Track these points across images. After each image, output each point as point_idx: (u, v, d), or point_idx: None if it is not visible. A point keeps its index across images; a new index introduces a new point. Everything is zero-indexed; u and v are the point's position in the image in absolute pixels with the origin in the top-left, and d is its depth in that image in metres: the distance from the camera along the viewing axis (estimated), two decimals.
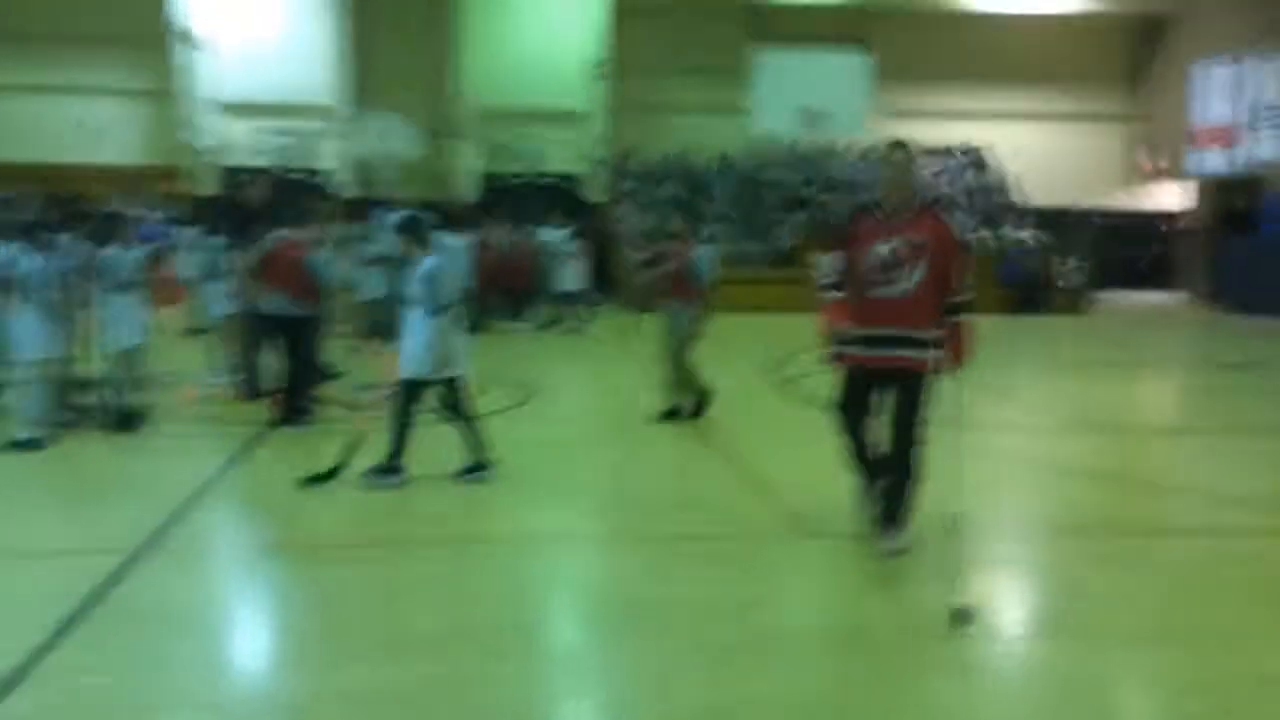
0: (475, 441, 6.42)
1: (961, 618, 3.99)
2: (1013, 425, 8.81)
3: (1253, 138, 21.11)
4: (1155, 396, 11.59)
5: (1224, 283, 21.14)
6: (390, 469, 6.24)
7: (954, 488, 4.83)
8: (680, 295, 8.32)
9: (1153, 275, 24.77)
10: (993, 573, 5.00)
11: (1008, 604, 4.67)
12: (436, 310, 6.16)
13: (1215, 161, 22.30)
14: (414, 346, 6.21)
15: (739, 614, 4.26)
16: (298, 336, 8.06)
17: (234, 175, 20.50)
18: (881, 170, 5.00)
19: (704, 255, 8.55)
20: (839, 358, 5.00)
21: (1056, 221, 22.81)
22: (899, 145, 4.96)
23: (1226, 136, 21.81)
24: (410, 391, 6.29)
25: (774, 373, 11.43)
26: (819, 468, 6.13)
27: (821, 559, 5.12)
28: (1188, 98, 22.82)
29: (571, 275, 16.02)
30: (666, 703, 3.50)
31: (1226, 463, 7.54)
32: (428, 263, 6.23)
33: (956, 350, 4.80)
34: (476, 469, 6.38)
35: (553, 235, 16.40)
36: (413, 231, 6.40)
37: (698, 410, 8.34)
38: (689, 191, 21.92)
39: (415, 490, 6.22)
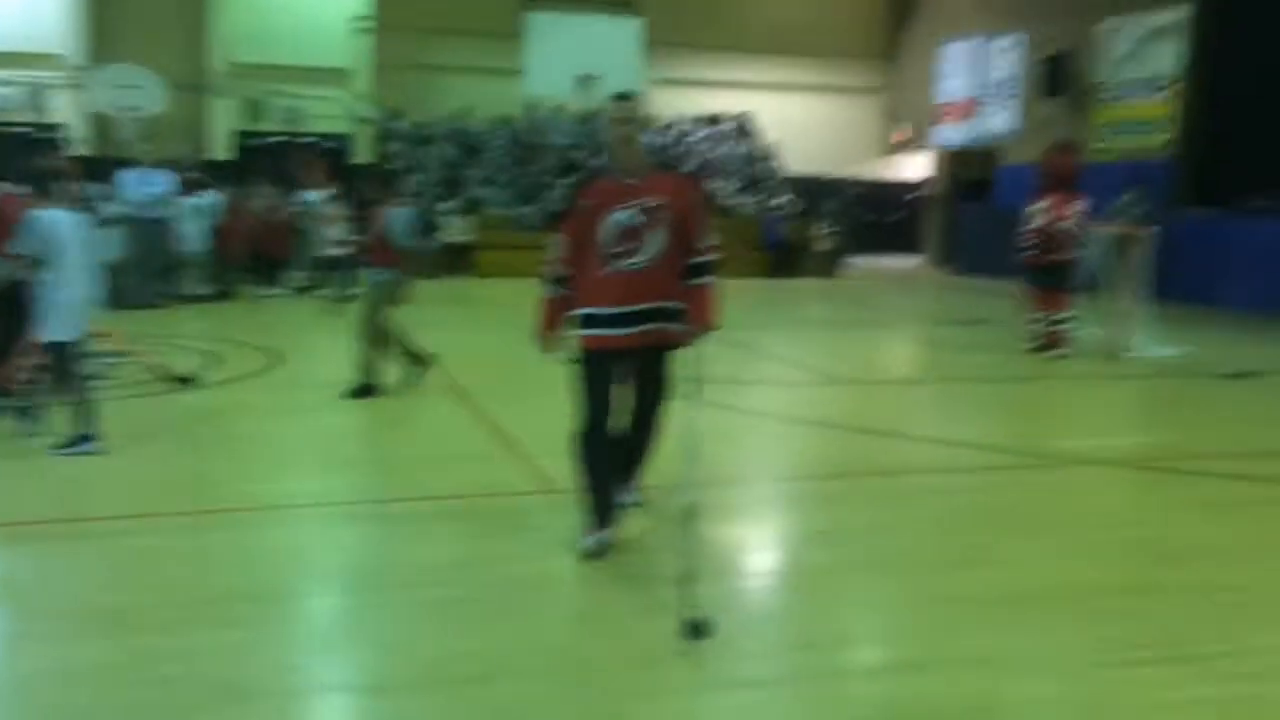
0: (84, 412, 6.11)
1: (696, 629, 3.48)
2: (763, 381, 9.25)
3: (987, 112, 22.81)
4: (893, 351, 12.43)
5: (959, 247, 22.81)
6: (81, 439, 6.00)
7: (692, 463, 4.16)
8: (379, 260, 7.98)
9: (898, 240, 26.38)
10: (737, 516, 5.26)
11: (753, 536, 4.93)
12: (49, 269, 5.92)
13: (954, 134, 23.97)
14: (51, 309, 5.98)
15: (480, 571, 4.31)
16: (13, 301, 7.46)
17: None
18: (609, 129, 4.48)
19: (399, 217, 8.12)
20: (577, 341, 4.44)
21: (813, 189, 23.93)
22: (623, 97, 4.47)
23: (965, 111, 23.47)
24: (61, 356, 6.06)
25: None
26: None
27: (571, 516, 5.23)
28: (933, 74, 24.38)
29: (333, 240, 15.52)
30: (403, 659, 3.51)
31: (954, 408, 8.25)
32: (40, 217, 5.91)
33: (700, 315, 4.38)
34: (80, 441, 6.04)
35: (313, 198, 15.81)
36: (38, 184, 6.06)
37: (414, 372, 8.11)
38: (462, 154, 21.67)
39: (128, 461, 5.93)
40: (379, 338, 7.95)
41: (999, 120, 22.38)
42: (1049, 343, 10.43)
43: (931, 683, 3.30)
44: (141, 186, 13.01)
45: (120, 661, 3.44)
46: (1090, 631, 3.73)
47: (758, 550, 4.89)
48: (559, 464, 5.60)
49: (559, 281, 4.51)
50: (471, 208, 19.84)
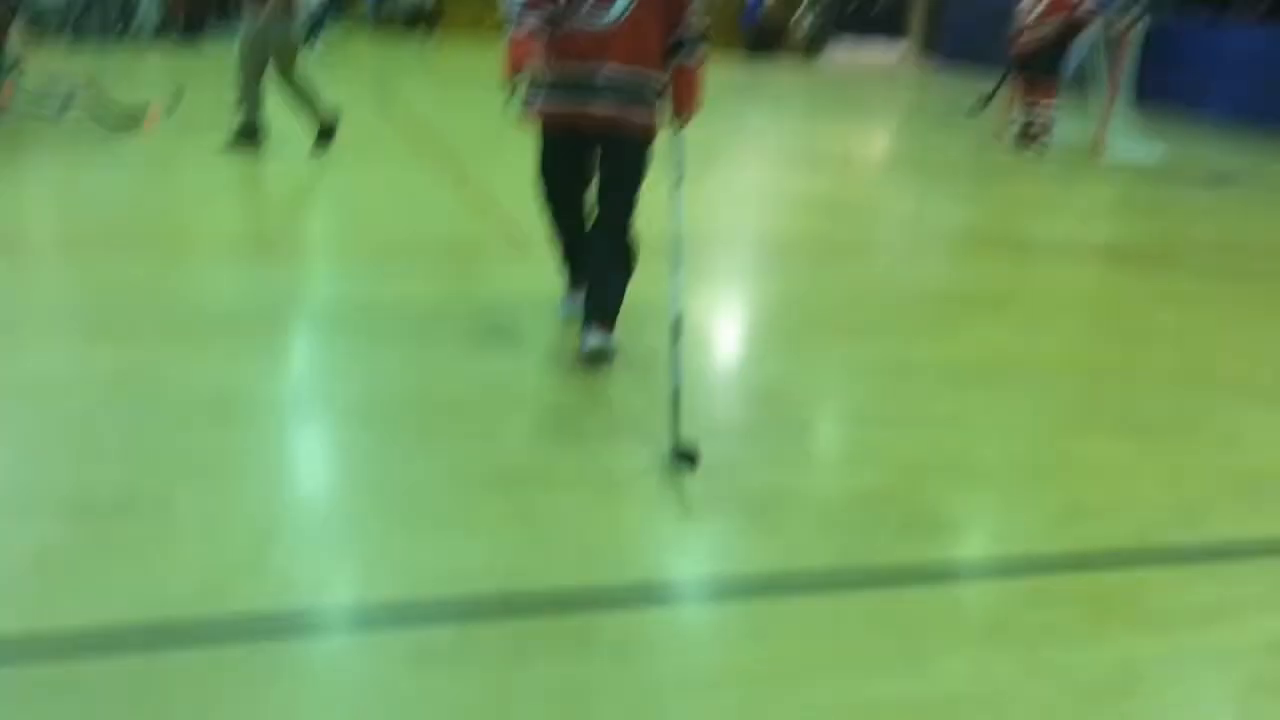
0: None
1: (683, 459, 2.96)
2: (743, 163, 9.12)
3: None
4: (868, 140, 12.26)
5: (945, 36, 22.14)
6: None
7: (676, 269, 3.58)
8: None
9: (883, 24, 25.53)
10: (715, 280, 5.27)
11: (730, 298, 4.98)
12: None
13: None
14: None
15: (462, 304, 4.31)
16: None
17: None
18: None
19: None
20: (534, 110, 3.75)
21: None
22: None
23: None
24: None
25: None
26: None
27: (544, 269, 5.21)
28: None
29: None
30: (385, 392, 3.54)
31: (929, 195, 8.24)
32: None
33: (682, 99, 3.73)
34: None
35: None
36: None
37: (325, 136, 7.40)
38: None
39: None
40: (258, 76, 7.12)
41: None
42: (1028, 136, 10.28)
43: (906, 437, 3.40)
44: None
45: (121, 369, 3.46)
46: (1051, 400, 3.85)
47: (734, 313, 4.93)
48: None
49: (531, 5, 3.57)
50: None
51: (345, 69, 13.03)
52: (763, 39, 20.16)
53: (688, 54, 3.70)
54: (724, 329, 4.70)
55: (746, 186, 7.94)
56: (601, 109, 3.63)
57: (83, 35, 12.84)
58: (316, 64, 13.03)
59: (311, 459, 3.07)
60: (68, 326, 3.93)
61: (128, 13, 13.93)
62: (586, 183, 3.89)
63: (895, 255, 6.24)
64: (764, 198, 7.62)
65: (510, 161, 7.65)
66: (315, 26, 14.13)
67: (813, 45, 20.86)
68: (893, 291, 5.27)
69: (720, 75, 11.19)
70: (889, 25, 25.31)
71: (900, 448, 3.31)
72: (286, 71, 7.13)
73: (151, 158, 7.13)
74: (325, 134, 7.38)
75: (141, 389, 3.34)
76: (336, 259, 5.25)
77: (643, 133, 3.70)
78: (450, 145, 8.36)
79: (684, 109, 3.74)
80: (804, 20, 20.75)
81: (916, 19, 24.07)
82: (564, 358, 3.85)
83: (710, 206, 6.88)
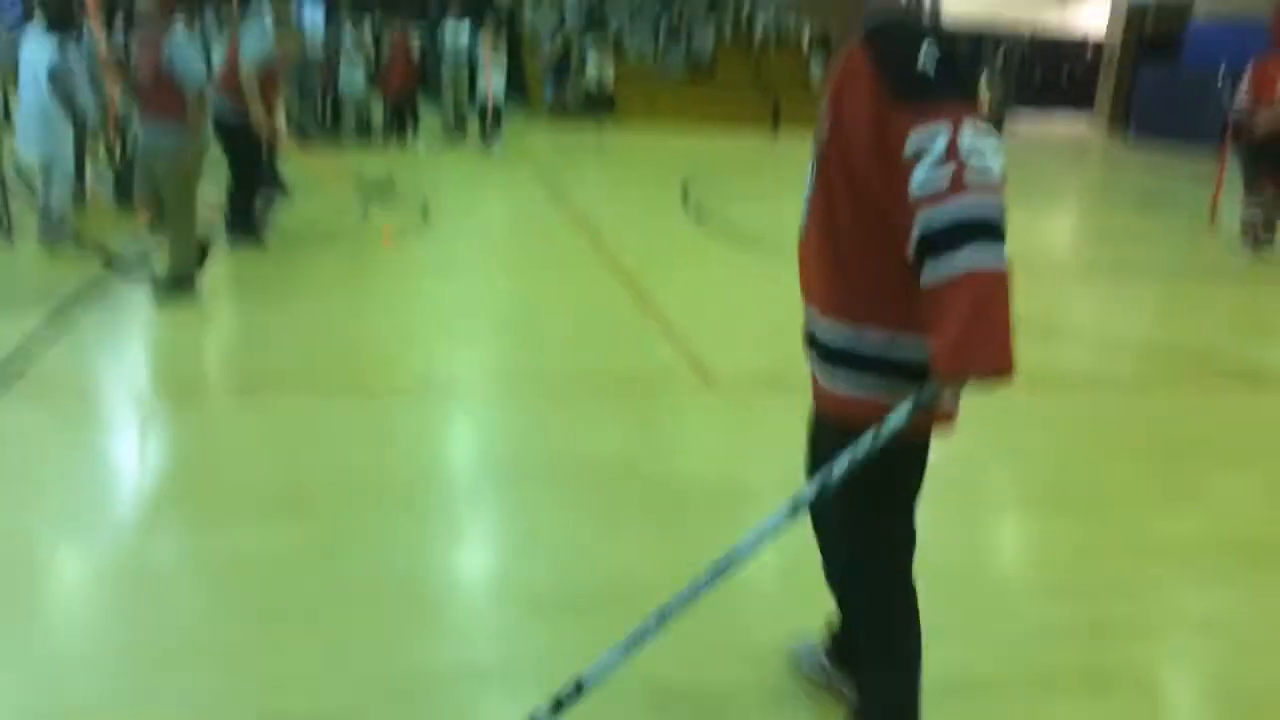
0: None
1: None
2: None
3: None
4: (1055, 230, 11.61)
5: (1137, 110, 21.14)
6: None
7: None
8: (159, 109, 6.04)
9: (1068, 97, 24.68)
10: None
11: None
12: None
13: None
14: None
15: (646, 466, 4.11)
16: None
17: None
18: None
19: (179, 48, 5.96)
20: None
21: (975, 38, 22.32)
22: None
23: None
24: None
25: (687, 197, 11.09)
26: (729, 310, 5.93)
27: (725, 412, 4.97)
28: None
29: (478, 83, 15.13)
30: (583, 567, 3.35)
31: (1129, 306, 7.61)
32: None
33: (941, 348, 1.75)
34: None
35: (454, 32, 15.29)
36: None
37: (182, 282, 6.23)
38: None
39: (271, 318, 5.87)
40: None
41: None
42: (1256, 233, 9.13)
43: (1152, 651, 2.97)
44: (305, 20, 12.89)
45: (298, 545, 3.38)
46: None
47: (949, 477, 4.53)
48: (716, 351, 5.34)
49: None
50: (613, 47, 19.14)
51: (522, 163, 13.27)
52: None
53: (933, 265, 1.75)
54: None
55: None
56: (813, 376, 2.21)
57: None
58: (498, 158, 13.39)
59: (514, 662, 2.88)
60: (249, 492, 3.91)
61: (337, 106, 14.46)
62: None
63: (1099, 388, 5.68)
64: None
65: (687, 274, 7.55)
66: (495, 119, 14.51)
67: (994, 119, 20.20)
68: (1103, 438, 4.77)
69: None
70: (1074, 98, 24.41)
71: (1148, 664, 2.87)
72: (188, 200, 6.17)
73: (339, 277, 7.29)
74: (183, 280, 6.23)
75: (327, 569, 3.24)
76: (515, 398, 5.13)
77: (833, 418, 2.13)
78: (626, 250, 8.26)
79: (943, 367, 1.76)
80: (985, 92, 20.14)
81: (1105, 91, 23.11)
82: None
83: None
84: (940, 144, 1.73)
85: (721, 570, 2.02)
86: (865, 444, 1.88)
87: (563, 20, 19.43)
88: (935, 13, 2.15)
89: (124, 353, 5.51)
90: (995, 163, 1.75)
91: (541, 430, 4.54)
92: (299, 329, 5.85)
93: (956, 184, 1.71)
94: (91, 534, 3.44)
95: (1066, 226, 11.89)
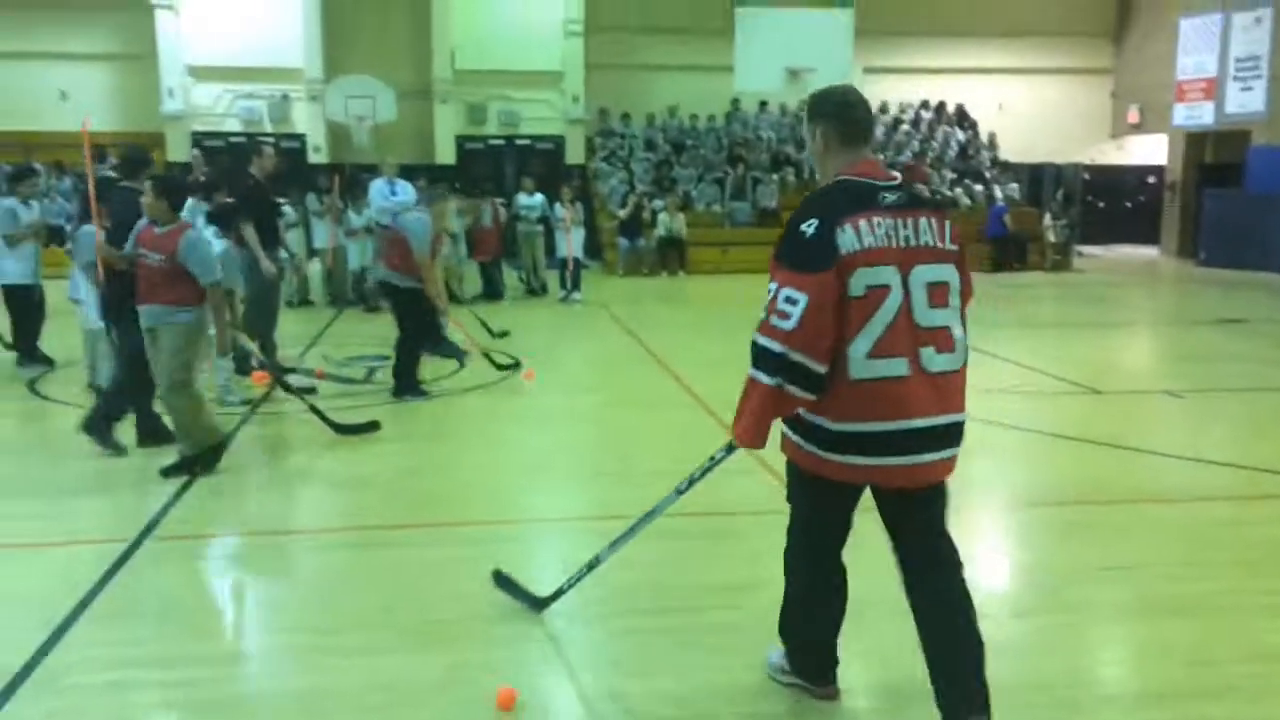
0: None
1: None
2: (995, 388, 8.82)
3: (1231, 92, 21.08)
4: (1136, 355, 11.65)
5: (1204, 236, 21.22)
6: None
7: None
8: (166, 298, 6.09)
9: (1133, 229, 24.85)
10: (972, 545, 5.04)
11: (995, 568, 4.70)
12: None
13: (1195, 115, 22.28)
14: None
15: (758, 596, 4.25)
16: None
17: (203, 142, 20.22)
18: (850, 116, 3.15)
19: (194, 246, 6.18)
20: None
21: (1038, 175, 22.76)
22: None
23: (1205, 91, 21.77)
24: None
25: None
26: None
27: None
28: (1165, 52, 22.74)
29: (559, 242, 15.85)
30: (704, 692, 3.49)
31: (1218, 424, 7.62)
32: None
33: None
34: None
35: (529, 202, 16.18)
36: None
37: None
38: (672, 150, 21.82)
39: (385, 466, 6.18)
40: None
41: (1246, 100, 20.66)
42: None
43: None
44: (389, 196, 13.69)
45: (435, 677, 3.58)
46: None
47: (1037, 586, 4.60)
48: None
49: None
50: (682, 204, 19.91)
51: (601, 314, 13.74)
52: (1008, 250, 19.91)
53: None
54: (1025, 603, 4.39)
55: (1000, 414, 7.59)
56: None
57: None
58: (578, 311, 13.92)
59: None
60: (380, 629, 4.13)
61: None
62: None
63: (1198, 501, 5.71)
64: (1021, 430, 7.25)
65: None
66: (575, 275, 15.14)
67: (1061, 253, 20.40)
68: (1205, 549, 4.79)
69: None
70: (1141, 229, 24.57)
71: None
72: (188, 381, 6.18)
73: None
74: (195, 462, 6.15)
75: (464, 693, 3.42)
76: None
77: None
78: (709, 388, 8.50)
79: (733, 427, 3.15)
80: (1051, 228, 20.40)
81: (1170, 219, 23.27)
82: None
83: (968, 443, 6.62)
84: (771, 292, 2.94)
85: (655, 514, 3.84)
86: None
87: (633, 185, 20.33)
88: (856, 184, 3.03)
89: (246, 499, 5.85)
90: (793, 315, 2.86)
91: (645, 565, 4.71)
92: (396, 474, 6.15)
93: (763, 323, 2.95)
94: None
95: (1149, 348, 11.93)
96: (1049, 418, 7.73)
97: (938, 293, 2.99)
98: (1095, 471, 6.32)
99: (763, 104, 22.93)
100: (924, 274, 2.96)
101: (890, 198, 2.99)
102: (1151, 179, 25.01)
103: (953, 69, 24.07)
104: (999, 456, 6.76)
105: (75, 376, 8.64)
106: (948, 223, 3.07)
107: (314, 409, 7.05)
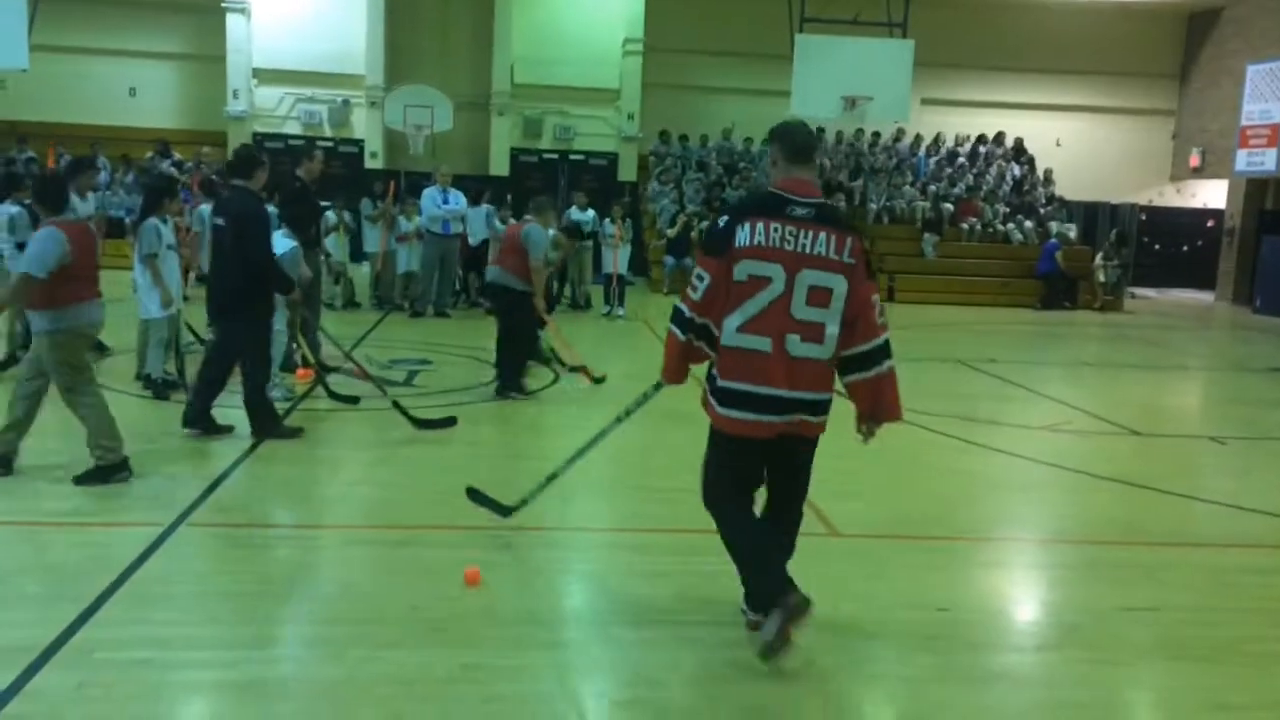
0: None
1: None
2: (1040, 426, 8.76)
3: None
4: (1185, 399, 11.49)
5: (1263, 283, 20.88)
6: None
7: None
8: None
9: (1188, 273, 24.50)
10: (1000, 579, 5.02)
11: (1020, 601, 4.68)
12: None
13: (1259, 162, 21.95)
14: None
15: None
16: None
17: (265, 143, 20.69)
18: None
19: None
20: None
21: (1093, 215, 22.52)
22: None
23: (1271, 137, 21.45)
24: None
25: None
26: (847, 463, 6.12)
27: (849, 559, 5.12)
28: (1229, 97, 22.45)
29: (606, 258, 15.93)
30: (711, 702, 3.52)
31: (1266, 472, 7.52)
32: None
33: None
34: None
35: (581, 217, 16.29)
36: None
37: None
38: (725, 172, 21.89)
39: (423, 470, 6.28)
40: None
41: None
42: None
43: None
44: (441, 204, 13.90)
45: (447, 674, 3.65)
46: None
47: (1060, 623, 4.58)
48: (843, 506, 5.53)
49: None
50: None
51: (645, 331, 13.80)
52: (1059, 288, 19.71)
53: None
54: (1058, 637, 4.37)
55: (1044, 453, 7.53)
56: None
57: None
58: (622, 326, 13.99)
59: None
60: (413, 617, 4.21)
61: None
62: None
63: (1238, 549, 5.65)
64: (1064, 469, 7.18)
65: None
66: (620, 291, 15.24)
67: (1113, 293, 20.15)
68: (1243, 595, 4.74)
69: (1013, 324, 10.99)
70: (1197, 273, 24.21)
71: None
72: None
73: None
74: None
75: (480, 692, 3.49)
76: (647, 547, 5.37)
77: None
78: None
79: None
80: (1103, 268, 20.16)
81: (1228, 265, 22.91)
82: None
83: (1013, 479, 6.59)
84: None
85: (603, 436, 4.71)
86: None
87: (682, 205, 20.41)
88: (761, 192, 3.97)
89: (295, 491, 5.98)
90: (699, 288, 3.83)
91: (670, 576, 4.76)
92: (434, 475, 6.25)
93: (682, 292, 3.95)
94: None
95: (1196, 392, 11.77)
96: (1088, 457, 7.66)
97: (818, 295, 3.74)
98: (1128, 513, 6.26)
99: (820, 130, 22.91)
100: (809, 277, 3.72)
101: (799, 211, 3.77)
102: (1210, 223, 24.65)
103: (1011, 104, 23.93)
104: (1034, 492, 6.74)
105: (128, 364, 8.84)
106: (849, 240, 3.77)
107: (396, 404, 7.38)
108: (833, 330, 3.76)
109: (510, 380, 8.72)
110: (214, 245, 7.05)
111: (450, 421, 7.39)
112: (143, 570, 4.51)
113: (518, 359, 8.84)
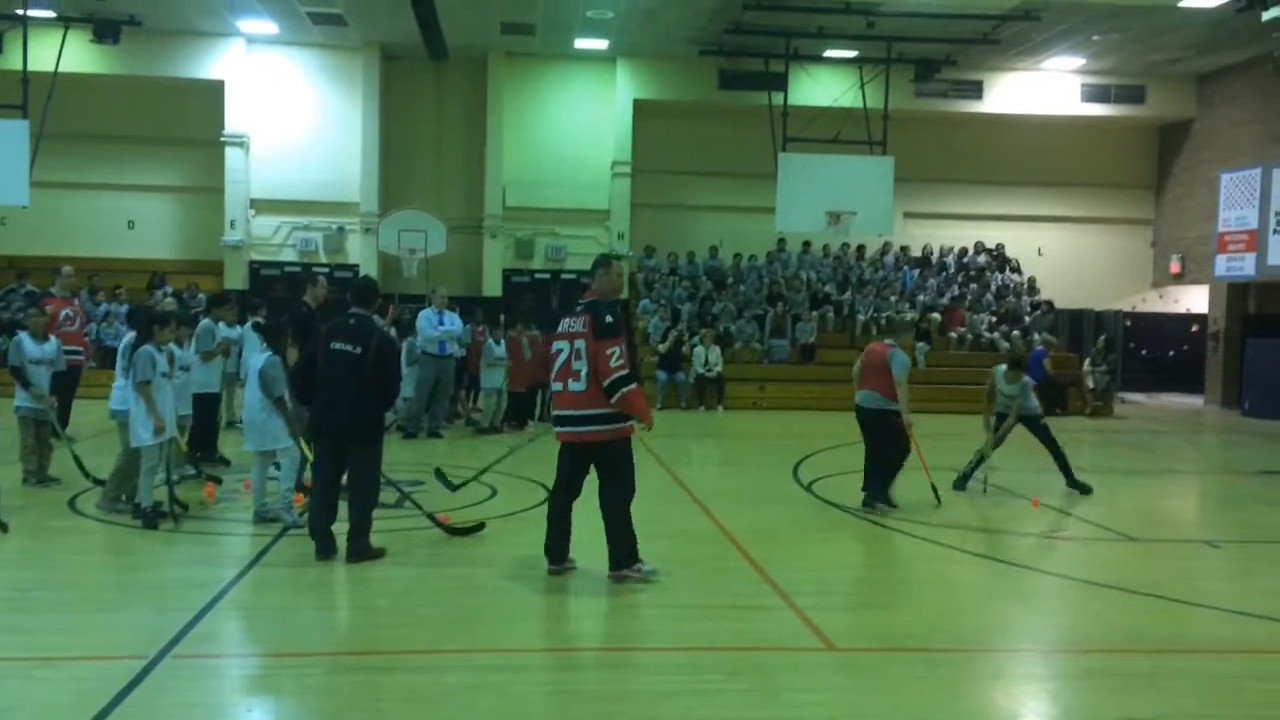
0: None
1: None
2: (1037, 534, 8.71)
3: (1274, 244, 21.15)
4: (1181, 504, 11.46)
5: (1249, 387, 21.02)
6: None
7: None
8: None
9: (1175, 378, 24.67)
10: (999, 692, 4.94)
11: (1015, 712, 4.60)
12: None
13: (1237, 267, 22.33)
14: None
15: None
16: None
17: (262, 271, 21.05)
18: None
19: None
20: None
21: (1078, 322, 22.76)
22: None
23: (1248, 242, 21.88)
24: None
25: (795, 470, 11.38)
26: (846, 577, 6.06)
27: (845, 674, 5.05)
28: (1205, 205, 22.99)
29: None
30: None
31: (1264, 575, 7.46)
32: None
33: None
34: None
35: None
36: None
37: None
38: (713, 287, 22.20)
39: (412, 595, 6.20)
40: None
41: None
42: None
43: None
44: (437, 325, 14.09)
45: None
46: None
47: None
48: (838, 619, 5.46)
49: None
50: (723, 340, 20.15)
51: (637, 447, 13.79)
52: (1048, 395, 19.79)
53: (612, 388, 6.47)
54: None
55: (1041, 562, 7.48)
56: None
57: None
58: None
59: None
60: None
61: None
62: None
63: (1233, 656, 5.57)
64: (1062, 577, 7.12)
65: (800, 545, 7.69)
66: None
67: (1101, 399, 20.25)
68: (1251, 702, 4.66)
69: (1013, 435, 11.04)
70: (1185, 377, 24.39)
71: None
72: None
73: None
74: None
75: None
76: (640, 666, 5.29)
77: None
78: (740, 524, 8.49)
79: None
80: (1091, 374, 20.31)
81: (1214, 369, 23.09)
82: None
83: (1011, 590, 6.52)
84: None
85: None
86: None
87: (674, 321, 20.64)
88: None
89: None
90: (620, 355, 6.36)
91: (666, 699, 4.68)
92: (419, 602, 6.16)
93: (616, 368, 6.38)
94: None
95: (1189, 496, 11.75)
96: (1082, 564, 7.62)
97: (576, 353, 6.36)
98: (1123, 619, 6.20)
99: (806, 244, 23.33)
100: (574, 344, 6.38)
101: (579, 307, 6.49)
102: (1195, 328, 24.94)
103: (993, 215, 24.44)
104: (1028, 601, 6.68)
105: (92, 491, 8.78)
106: (587, 317, 6.37)
107: (431, 517, 8.00)
108: (585, 371, 6.34)
109: (879, 493, 9.23)
110: (334, 371, 6.98)
111: (480, 527, 8.09)
112: (121, 707, 4.42)
113: (891, 473, 9.35)
